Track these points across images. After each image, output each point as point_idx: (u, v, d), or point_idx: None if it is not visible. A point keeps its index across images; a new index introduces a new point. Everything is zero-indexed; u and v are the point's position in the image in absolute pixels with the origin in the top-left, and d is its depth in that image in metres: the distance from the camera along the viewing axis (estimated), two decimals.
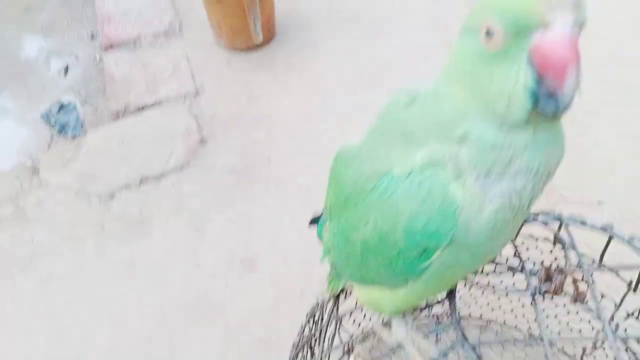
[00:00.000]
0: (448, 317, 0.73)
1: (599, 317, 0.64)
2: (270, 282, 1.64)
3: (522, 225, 0.80)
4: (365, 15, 2.49)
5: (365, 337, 1.27)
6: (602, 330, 0.60)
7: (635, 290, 0.82)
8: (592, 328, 1.20)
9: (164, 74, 2.31)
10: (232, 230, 1.77)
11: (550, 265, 0.69)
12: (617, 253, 0.80)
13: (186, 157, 1.99)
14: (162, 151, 2.01)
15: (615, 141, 1.89)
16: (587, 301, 0.74)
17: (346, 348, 1.15)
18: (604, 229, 0.76)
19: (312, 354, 0.97)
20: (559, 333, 1.30)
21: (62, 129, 2.19)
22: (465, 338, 0.74)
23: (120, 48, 2.44)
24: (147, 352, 1.53)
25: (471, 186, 0.54)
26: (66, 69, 2.47)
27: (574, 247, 0.73)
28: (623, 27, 2.28)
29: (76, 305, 1.64)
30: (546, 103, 0.47)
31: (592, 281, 0.88)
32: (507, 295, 0.73)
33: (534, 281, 0.69)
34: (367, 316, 1.26)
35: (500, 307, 1.41)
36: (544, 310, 1.27)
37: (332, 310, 0.96)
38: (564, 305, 1.17)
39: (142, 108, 2.19)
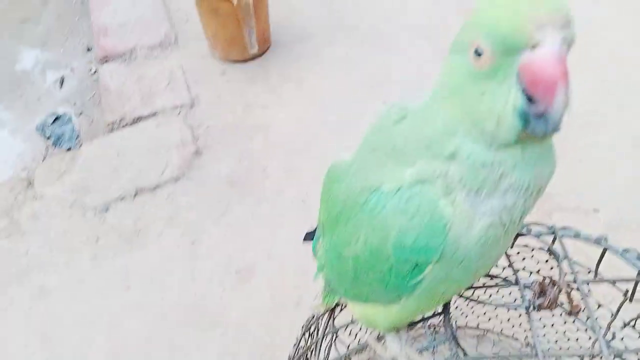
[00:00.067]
0: (444, 329, 0.73)
1: (593, 331, 0.64)
2: (266, 293, 1.63)
3: (516, 238, 0.79)
4: (361, 26, 2.51)
5: (361, 349, 1.26)
6: (598, 343, 0.60)
7: (631, 300, 0.82)
8: (589, 337, 1.19)
9: (160, 85, 2.31)
10: (227, 241, 1.77)
11: (544, 278, 0.69)
12: (614, 260, 0.80)
13: (181, 168, 1.99)
14: (158, 162, 2.01)
15: (610, 149, 1.90)
16: (583, 311, 0.74)
17: None
18: (598, 241, 0.76)
19: None
20: (556, 342, 1.30)
21: (58, 141, 2.19)
22: (463, 352, 0.74)
23: (115, 60, 2.45)
24: None
25: (461, 203, 0.54)
26: (62, 81, 2.47)
27: (568, 259, 0.73)
28: (622, 31, 2.30)
29: (71, 318, 1.63)
30: (536, 124, 0.47)
31: (588, 291, 0.88)
32: (505, 308, 0.72)
33: (528, 295, 0.69)
34: (363, 328, 1.25)
35: (497, 316, 1.40)
36: (540, 319, 1.27)
37: (328, 323, 0.96)
38: (561, 314, 1.17)
39: (138, 119, 2.19)
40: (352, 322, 0.92)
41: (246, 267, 1.70)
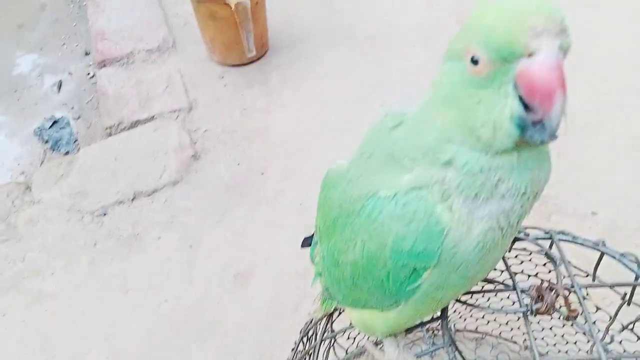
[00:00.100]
0: (442, 334, 0.72)
1: (591, 336, 0.63)
2: (264, 296, 1.62)
3: (514, 241, 0.79)
4: (358, 30, 2.51)
5: (360, 353, 1.26)
6: (594, 349, 0.60)
7: (629, 304, 0.82)
8: (588, 340, 1.19)
9: (158, 89, 2.31)
10: (225, 245, 1.77)
11: (542, 282, 0.69)
12: (612, 261, 0.80)
13: (179, 172, 1.99)
14: (156, 166, 2.01)
15: (608, 151, 1.90)
16: (582, 314, 0.74)
17: None
18: (595, 245, 0.76)
19: None
20: (555, 345, 1.30)
21: (55, 145, 2.18)
22: (462, 357, 0.73)
23: (113, 64, 2.44)
24: None
25: (458, 209, 0.54)
26: (59, 85, 2.47)
27: (565, 263, 0.73)
28: (620, 33, 2.30)
29: (69, 322, 1.63)
30: (533, 132, 0.47)
31: (587, 294, 0.88)
32: (503, 312, 0.72)
33: (526, 300, 0.69)
34: (361, 332, 1.25)
35: (495, 319, 1.40)
36: (539, 322, 1.27)
37: (326, 327, 0.96)
38: (559, 317, 1.17)
39: (136, 123, 2.19)
40: (351, 326, 0.92)
41: (244, 271, 1.69)
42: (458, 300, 0.76)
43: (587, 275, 0.88)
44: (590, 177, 1.83)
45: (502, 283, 0.79)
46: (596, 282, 0.82)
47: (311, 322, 1.05)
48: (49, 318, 1.64)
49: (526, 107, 0.47)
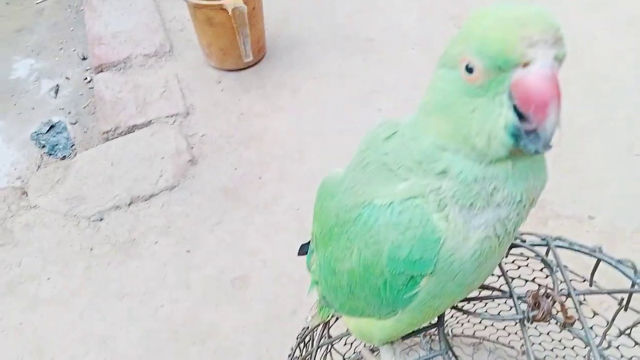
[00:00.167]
0: (439, 341, 0.72)
1: (588, 344, 0.63)
2: (261, 302, 1.62)
3: (511, 248, 0.79)
4: (355, 35, 2.52)
5: (357, 359, 1.26)
6: (591, 355, 0.60)
7: (626, 309, 0.82)
8: (585, 345, 1.19)
9: (154, 94, 2.31)
10: (222, 250, 1.76)
11: (539, 288, 0.69)
12: (609, 267, 0.80)
13: (176, 177, 1.99)
14: (152, 171, 2.00)
15: (605, 156, 1.91)
16: (579, 319, 0.74)
17: None
18: (592, 251, 0.76)
19: None
20: (552, 350, 1.30)
21: (52, 150, 2.18)
22: None
23: (110, 69, 2.44)
24: None
25: (454, 218, 0.54)
26: (56, 90, 2.47)
27: (562, 270, 0.73)
28: (616, 40, 2.32)
29: (65, 327, 1.62)
30: (527, 141, 0.47)
31: (583, 300, 0.88)
32: (500, 319, 0.72)
33: (522, 306, 0.68)
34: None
35: (492, 324, 1.40)
36: (536, 327, 1.27)
37: (323, 334, 0.95)
38: (557, 323, 1.17)
39: (132, 128, 2.18)
40: (348, 332, 0.92)
41: (241, 276, 1.69)
42: (455, 308, 0.75)
43: (584, 281, 0.88)
44: (586, 181, 1.83)
45: (499, 289, 0.79)
46: (593, 287, 0.82)
47: (308, 327, 1.04)
48: (45, 323, 1.63)
49: (521, 116, 0.47)
